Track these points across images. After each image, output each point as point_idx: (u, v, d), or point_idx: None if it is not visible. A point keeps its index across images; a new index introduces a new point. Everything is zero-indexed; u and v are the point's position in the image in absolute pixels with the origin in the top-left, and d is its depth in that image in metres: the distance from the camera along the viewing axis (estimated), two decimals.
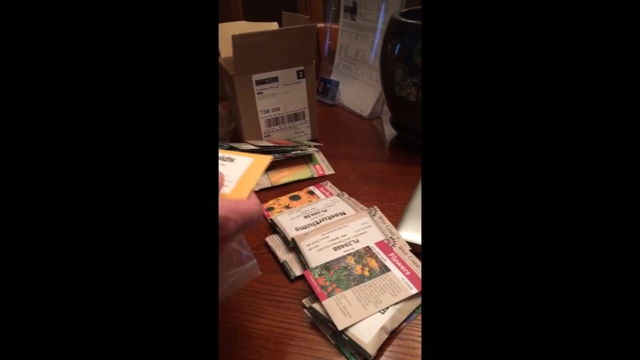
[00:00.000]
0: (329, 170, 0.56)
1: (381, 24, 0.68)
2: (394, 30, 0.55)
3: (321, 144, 0.60)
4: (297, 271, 0.38)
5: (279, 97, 0.59)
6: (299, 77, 0.59)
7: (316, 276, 0.36)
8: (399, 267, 0.36)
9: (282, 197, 0.50)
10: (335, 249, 0.39)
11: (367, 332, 0.30)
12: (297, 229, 0.43)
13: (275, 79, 0.58)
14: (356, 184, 0.53)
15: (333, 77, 0.80)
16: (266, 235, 0.44)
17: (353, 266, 0.37)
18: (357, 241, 0.40)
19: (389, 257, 0.37)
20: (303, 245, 0.40)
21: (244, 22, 0.70)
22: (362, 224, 0.42)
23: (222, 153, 0.31)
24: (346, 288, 0.34)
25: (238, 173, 0.29)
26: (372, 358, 0.30)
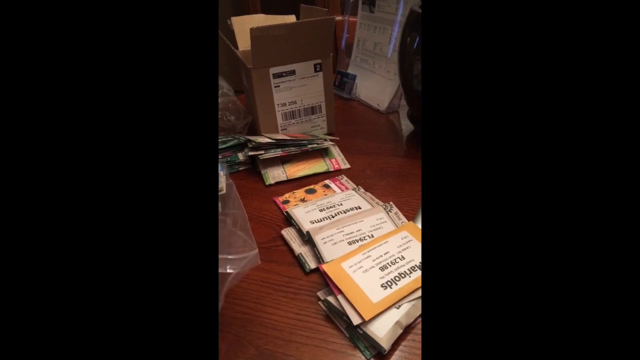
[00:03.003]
0: (344, 165, 0.56)
1: (400, 17, 0.67)
2: (413, 23, 0.54)
3: (337, 138, 0.60)
4: (312, 264, 0.38)
5: (296, 90, 0.59)
6: (316, 71, 0.59)
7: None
8: None
9: (298, 190, 0.50)
10: (349, 243, 0.39)
11: (382, 327, 0.30)
12: (312, 222, 0.43)
13: (293, 72, 0.58)
14: (372, 179, 0.52)
15: (350, 70, 0.80)
16: (282, 228, 0.44)
17: None
18: (372, 236, 0.40)
19: None
20: (318, 239, 0.40)
21: (261, 15, 0.70)
22: (377, 219, 0.42)
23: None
24: None
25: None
26: (386, 352, 0.30)
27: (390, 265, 0.35)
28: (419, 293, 0.33)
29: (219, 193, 0.45)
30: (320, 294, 0.35)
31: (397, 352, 0.30)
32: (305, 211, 0.45)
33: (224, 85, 0.66)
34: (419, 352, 0.30)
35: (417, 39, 0.53)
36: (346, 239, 0.40)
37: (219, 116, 0.62)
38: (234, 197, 0.47)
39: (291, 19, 0.68)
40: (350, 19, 0.80)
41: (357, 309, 0.31)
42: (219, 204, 0.42)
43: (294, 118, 0.61)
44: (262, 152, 0.54)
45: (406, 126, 0.67)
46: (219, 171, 0.44)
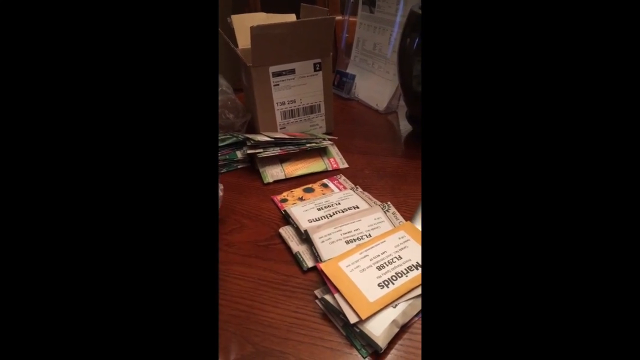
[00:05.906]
0: (343, 164, 0.56)
1: (400, 17, 0.67)
2: (413, 24, 0.54)
3: (336, 137, 0.60)
4: (309, 262, 0.39)
5: (295, 89, 0.59)
6: (315, 70, 0.59)
7: None
8: None
9: (296, 189, 0.50)
10: (347, 242, 0.39)
11: (378, 325, 0.31)
12: (310, 221, 0.43)
13: (292, 71, 0.58)
14: (370, 179, 0.52)
15: (349, 70, 0.80)
16: (279, 226, 0.44)
17: None
18: (369, 236, 0.40)
19: None
20: (315, 238, 0.40)
21: (262, 14, 0.70)
22: (375, 219, 0.42)
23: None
24: None
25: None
26: (382, 351, 0.30)
27: (387, 265, 0.35)
28: (415, 292, 0.33)
29: None
30: (317, 292, 0.35)
31: (393, 351, 0.30)
32: (303, 210, 0.45)
33: (223, 83, 0.66)
34: (415, 350, 0.30)
35: (417, 39, 0.53)
36: (344, 238, 0.40)
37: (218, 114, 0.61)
38: None
39: (291, 17, 0.68)
40: (350, 19, 0.80)
41: (354, 307, 0.31)
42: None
43: (292, 117, 0.61)
44: (261, 150, 0.54)
45: (404, 126, 0.67)
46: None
